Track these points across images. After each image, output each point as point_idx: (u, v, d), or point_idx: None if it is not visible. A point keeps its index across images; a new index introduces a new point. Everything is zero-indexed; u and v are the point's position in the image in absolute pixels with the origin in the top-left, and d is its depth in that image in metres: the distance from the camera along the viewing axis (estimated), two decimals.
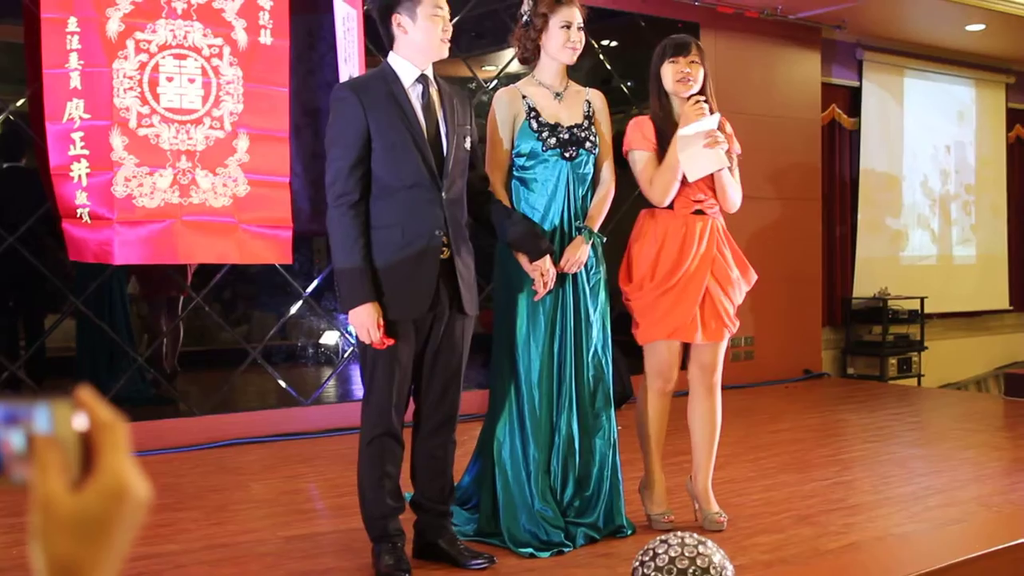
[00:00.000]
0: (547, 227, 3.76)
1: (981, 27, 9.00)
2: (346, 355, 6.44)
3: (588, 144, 3.82)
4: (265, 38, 5.40)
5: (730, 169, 3.96)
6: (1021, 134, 11.16)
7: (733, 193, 3.98)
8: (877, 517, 4.22)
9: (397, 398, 3.39)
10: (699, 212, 3.92)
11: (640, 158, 3.94)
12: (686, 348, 4.03)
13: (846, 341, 9.52)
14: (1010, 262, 10.95)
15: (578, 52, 3.82)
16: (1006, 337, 11.02)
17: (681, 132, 3.85)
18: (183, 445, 5.61)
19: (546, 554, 3.66)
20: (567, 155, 3.78)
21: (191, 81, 5.21)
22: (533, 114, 3.78)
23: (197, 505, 4.51)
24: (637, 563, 2.34)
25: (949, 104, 10.36)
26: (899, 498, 4.51)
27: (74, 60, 4.94)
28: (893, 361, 9.29)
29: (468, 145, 3.50)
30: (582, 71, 7.39)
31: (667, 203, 3.89)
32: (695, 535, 2.38)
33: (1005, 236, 10.92)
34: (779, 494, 4.58)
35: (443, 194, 3.35)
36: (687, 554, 2.28)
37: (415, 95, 3.39)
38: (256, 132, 5.36)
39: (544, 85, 3.84)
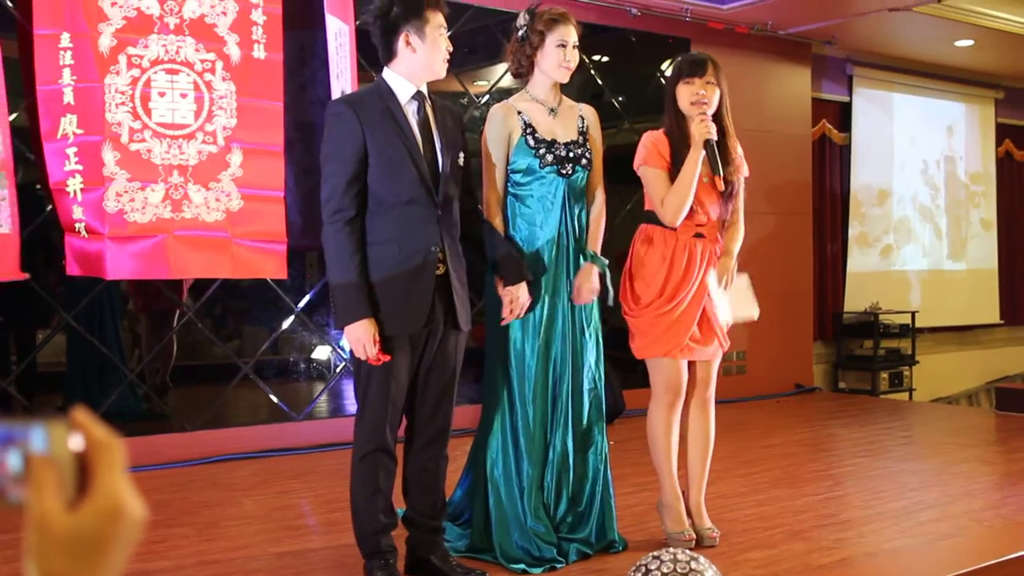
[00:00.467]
0: (543, 242, 3.75)
1: (970, 43, 9.06)
2: (338, 370, 6.43)
3: (584, 161, 3.83)
4: (259, 52, 5.41)
5: (734, 194, 3.97)
6: (1010, 149, 11.21)
7: (740, 240, 4.03)
8: (869, 532, 4.23)
9: (391, 414, 3.39)
10: (699, 235, 3.93)
11: (653, 176, 3.90)
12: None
13: (837, 355, 9.54)
14: (1000, 276, 10.99)
15: (572, 71, 3.82)
16: (997, 351, 11.04)
17: (713, 292, 3.89)
18: (175, 461, 5.59)
19: (538, 570, 3.65)
20: (563, 172, 3.78)
21: (183, 96, 5.22)
22: (530, 130, 3.76)
23: (189, 521, 4.49)
24: None
25: (939, 119, 10.40)
26: (891, 513, 4.51)
27: (67, 76, 4.94)
28: (884, 375, 9.30)
29: (461, 162, 3.50)
30: (573, 86, 7.38)
31: (678, 223, 3.88)
32: (687, 551, 2.38)
33: (995, 250, 10.97)
34: (771, 509, 4.58)
35: (438, 211, 3.36)
36: (679, 570, 2.28)
37: (411, 111, 3.39)
38: (250, 147, 5.37)
39: (538, 101, 3.83)
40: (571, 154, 3.80)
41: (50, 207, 5.35)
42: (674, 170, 3.87)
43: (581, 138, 3.85)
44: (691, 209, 3.87)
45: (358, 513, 3.46)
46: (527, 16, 3.79)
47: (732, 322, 3.98)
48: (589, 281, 3.77)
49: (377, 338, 3.26)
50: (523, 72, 3.84)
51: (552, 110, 3.83)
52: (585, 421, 3.83)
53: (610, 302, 3.88)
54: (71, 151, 4.96)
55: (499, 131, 3.78)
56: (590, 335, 3.85)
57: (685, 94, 3.89)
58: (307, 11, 5.73)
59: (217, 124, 5.29)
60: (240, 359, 6.12)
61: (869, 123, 9.69)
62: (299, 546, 4.08)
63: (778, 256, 8.36)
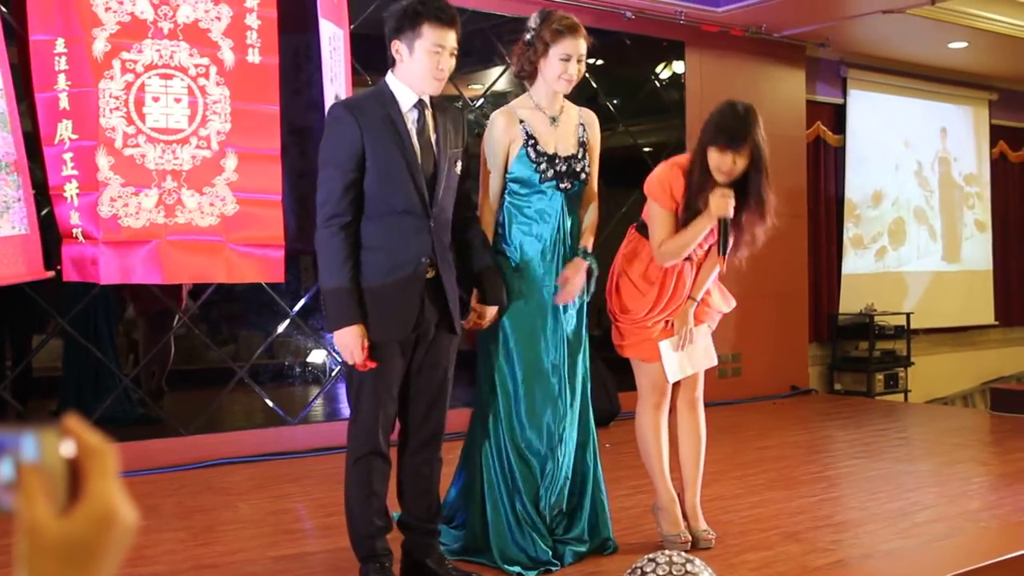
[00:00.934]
0: (535, 252, 3.75)
1: (964, 45, 9.07)
2: (333, 374, 6.43)
3: (583, 175, 3.83)
4: (253, 57, 5.41)
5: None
6: (1005, 150, 11.23)
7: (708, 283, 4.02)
8: (864, 534, 4.23)
9: (384, 417, 3.39)
10: (689, 258, 3.94)
11: (659, 215, 3.83)
12: None
13: (833, 357, 9.55)
14: (995, 277, 11.01)
15: (574, 83, 3.77)
16: (992, 352, 11.06)
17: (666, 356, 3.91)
18: (170, 465, 5.59)
19: (533, 573, 3.65)
20: (562, 186, 3.77)
21: (177, 101, 5.21)
22: (531, 142, 3.72)
23: (184, 526, 4.49)
24: None
25: (933, 121, 10.42)
26: (886, 514, 4.52)
27: (62, 81, 4.94)
28: (880, 377, 9.32)
29: (459, 169, 3.50)
30: None
31: (667, 266, 3.88)
32: (683, 553, 2.38)
33: (990, 252, 10.98)
34: (767, 511, 4.58)
35: (431, 221, 3.36)
36: (675, 572, 2.28)
37: (411, 119, 3.37)
38: (245, 151, 5.36)
39: (540, 108, 3.78)
40: (571, 169, 3.78)
41: (45, 211, 5.35)
42: (682, 215, 3.82)
43: (581, 150, 3.82)
44: None
45: (353, 517, 3.45)
46: (538, 20, 3.73)
47: (688, 375, 4.01)
48: (577, 275, 3.76)
49: (366, 344, 3.27)
50: (525, 76, 3.81)
51: (553, 119, 3.79)
52: (578, 420, 3.84)
53: (587, 296, 3.89)
54: (67, 156, 4.96)
55: (500, 139, 3.74)
56: (578, 339, 3.87)
57: (715, 160, 3.72)
58: (301, 15, 5.73)
59: (211, 129, 5.28)
60: (235, 363, 6.12)
61: (863, 125, 9.70)
62: (295, 550, 4.08)
63: (773, 258, 8.31)
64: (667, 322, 3.97)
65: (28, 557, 0.70)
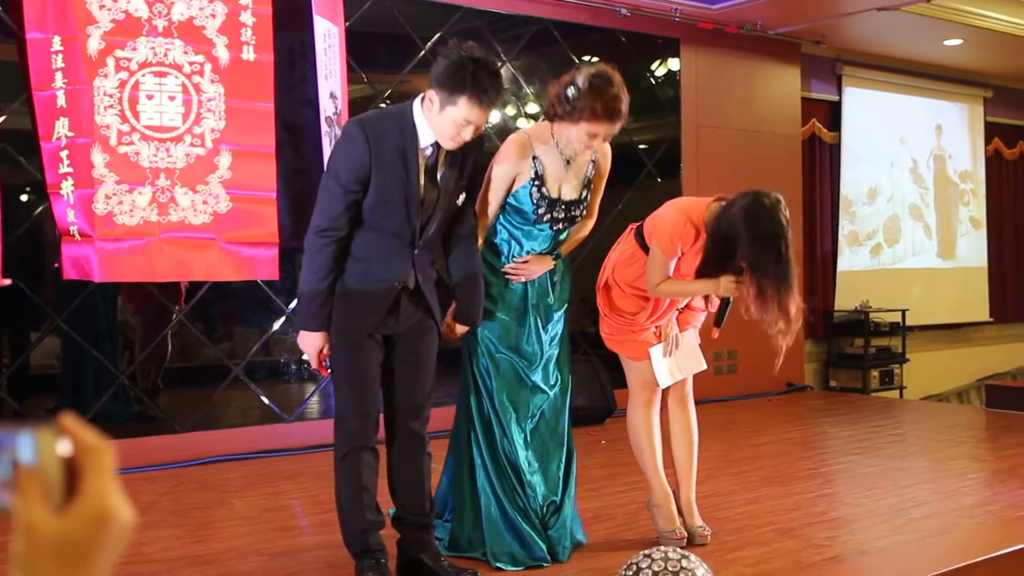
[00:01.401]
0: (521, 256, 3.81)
1: (959, 42, 9.09)
2: (329, 371, 6.41)
3: (579, 218, 3.85)
4: (248, 54, 5.40)
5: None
6: (1000, 147, 11.25)
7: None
8: (859, 530, 4.24)
9: (368, 412, 3.43)
10: None
11: (659, 259, 3.78)
12: None
13: (828, 354, 9.56)
14: (990, 274, 11.03)
15: (592, 152, 3.73)
16: (987, 349, 11.08)
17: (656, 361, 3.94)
18: (166, 462, 5.59)
19: (522, 567, 3.67)
20: (555, 228, 3.81)
21: (171, 99, 5.21)
22: (537, 183, 3.71)
23: (180, 523, 4.49)
24: None
25: (928, 118, 10.44)
26: (881, 510, 4.53)
27: (59, 79, 4.94)
28: (875, 373, 9.33)
29: (460, 200, 3.50)
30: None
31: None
32: (678, 549, 2.39)
33: (985, 249, 11.00)
34: (762, 507, 4.59)
35: (415, 249, 3.39)
36: (670, 568, 2.29)
37: (425, 155, 3.36)
38: (239, 148, 5.36)
39: (558, 147, 3.72)
40: (568, 215, 3.80)
41: (39, 209, 5.36)
42: (683, 265, 3.81)
43: (584, 192, 3.81)
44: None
45: (344, 513, 3.47)
46: (586, 86, 3.54)
47: (679, 379, 4.04)
48: (538, 265, 3.80)
49: (325, 352, 3.41)
50: (550, 117, 3.70)
51: (568, 160, 3.75)
52: (553, 420, 3.86)
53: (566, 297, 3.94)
54: (64, 154, 4.96)
55: (508, 169, 3.72)
56: (560, 334, 3.89)
57: (747, 257, 3.61)
58: (296, 12, 5.72)
59: (205, 127, 5.28)
60: (231, 361, 6.12)
61: (859, 122, 9.71)
62: (291, 547, 4.08)
63: None
64: (657, 327, 4.00)
65: (25, 555, 0.70)
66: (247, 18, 5.40)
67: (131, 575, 3.66)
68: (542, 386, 3.82)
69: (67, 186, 4.98)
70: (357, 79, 6.16)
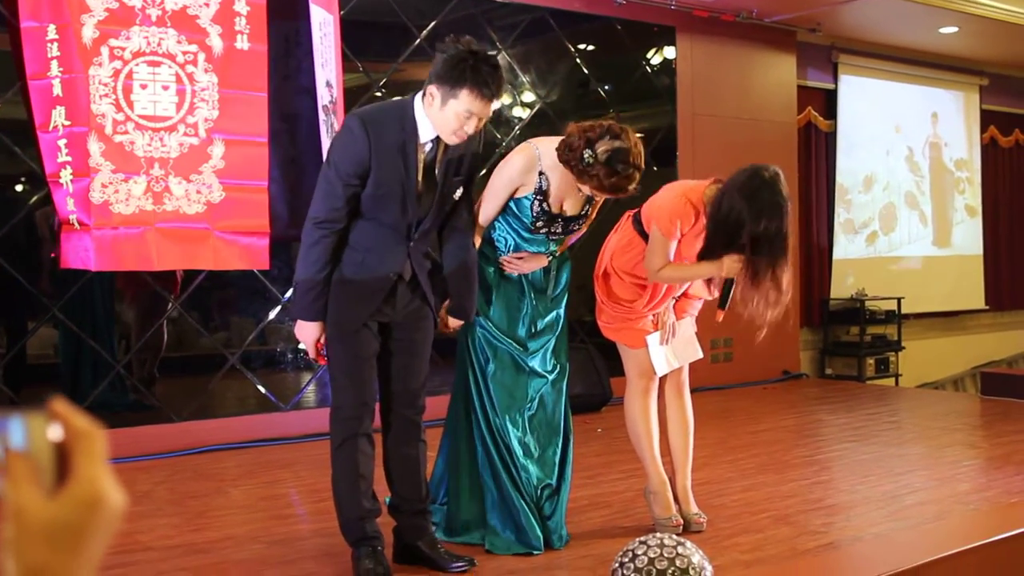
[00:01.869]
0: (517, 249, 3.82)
1: (954, 29, 9.08)
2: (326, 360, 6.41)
3: (576, 231, 3.88)
4: (242, 43, 5.39)
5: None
6: (995, 135, 11.25)
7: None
8: (855, 516, 4.25)
9: (364, 399, 3.44)
10: None
11: (660, 242, 3.75)
12: None
13: (824, 342, 9.57)
14: (985, 262, 11.03)
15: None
16: (982, 336, 11.10)
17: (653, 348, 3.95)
18: (162, 451, 5.59)
19: (516, 552, 3.69)
20: (551, 238, 3.82)
21: (165, 88, 5.20)
22: (540, 197, 3.70)
23: (176, 511, 4.49)
24: (616, 564, 2.35)
25: (924, 106, 10.43)
26: (877, 497, 4.54)
27: (55, 68, 4.93)
28: (871, 361, 9.34)
29: (457, 195, 3.50)
30: (559, 75, 7.40)
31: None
32: (674, 536, 2.40)
33: (980, 236, 11.01)
34: (758, 494, 4.60)
35: (410, 242, 3.40)
36: (666, 555, 2.29)
37: (425, 150, 3.36)
38: (232, 138, 5.35)
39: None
40: (567, 228, 3.81)
41: (34, 199, 5.35)
42: (683, 249, 3.80)
43: (585, 208, 3.80)
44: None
45: (341, 500, 3.48)
46: (605, 154, 3.45)
47: (676, 367, 4.05)
48: (533, 262, 3.81)
49: (322, 342, 3.42)
50: (560, 161, 3.59)
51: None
52: (550, 407, 3.87)
53: (564, 287, 3.95)
54: (62, 143, 4.96)
55: (513, 179, 3.71)
56: (559, 323, 3.90)
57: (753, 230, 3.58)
58: (291, 1, 5.71)
59: (199, 116, 5.27)
60: (227, 350, 6.12)
61: (854, 110, 9.70)
62: (287, 535, 4.09)
63: None
64: (655, 316, 4.00)
65: (15, 540, 0.70)
66: (241, 7, 5.39)
67: (128, 564, 3.66)
68: (540, 371, 3.82)
69: (66, 175, 4.97)
70: (352, 68, 6.15)
